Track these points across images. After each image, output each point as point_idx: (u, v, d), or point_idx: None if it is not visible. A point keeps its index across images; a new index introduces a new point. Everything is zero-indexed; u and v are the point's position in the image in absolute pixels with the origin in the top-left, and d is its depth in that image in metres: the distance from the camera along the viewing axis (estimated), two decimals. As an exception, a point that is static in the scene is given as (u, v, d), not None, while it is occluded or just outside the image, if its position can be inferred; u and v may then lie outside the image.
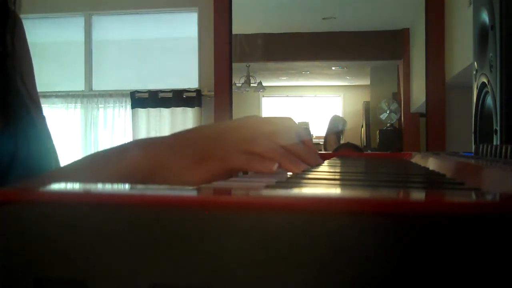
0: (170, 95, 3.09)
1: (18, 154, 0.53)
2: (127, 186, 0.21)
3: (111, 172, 0.45)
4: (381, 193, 0.22)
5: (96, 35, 3.26)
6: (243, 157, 0.44)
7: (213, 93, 2.98)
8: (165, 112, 3.08)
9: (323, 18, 3.26)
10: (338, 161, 0.78)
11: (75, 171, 0.46)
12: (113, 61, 3.31)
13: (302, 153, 0.46)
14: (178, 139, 0.48)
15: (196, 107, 3.05)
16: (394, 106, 3.31)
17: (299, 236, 0.14)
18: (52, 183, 0.41)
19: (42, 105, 0.66)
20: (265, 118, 0.48)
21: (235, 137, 0.45)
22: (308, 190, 0.30)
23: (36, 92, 0.64)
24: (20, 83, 0.59)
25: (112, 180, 0.42)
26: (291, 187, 0.35)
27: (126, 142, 0.50)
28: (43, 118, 0.62)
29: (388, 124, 3.31)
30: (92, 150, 3.08)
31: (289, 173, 0.45)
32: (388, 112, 3.31)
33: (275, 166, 0.42)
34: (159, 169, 0.44)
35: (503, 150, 0.47)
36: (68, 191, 0.19)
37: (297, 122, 0.51)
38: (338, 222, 0.14)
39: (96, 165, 0.47)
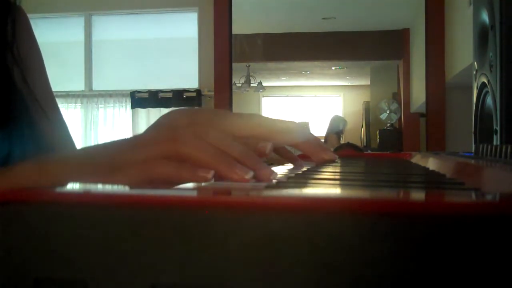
0: (170, 95, 3.09)
1: (12, 157, 0.50)
2: (127, 186, 0.21)
3: None
4: (381, 193, 0.22)
5: (96, 35, 3.26)
6: (168, 164, 0.35)
7: (213, 93, 2.99)
8: (165, 112, 3.08)
9: (323, 18, 3.26)
10: (338, 161, 0.78)
11: None
12: (113, 61, 3.31)
13: (241, 154, 0.37)
14: (85, 151, 0.41)
15: (196, 107, 3.05)
16: (394, 106, 3.31)
17: (299, 236, 0.14)
18: None
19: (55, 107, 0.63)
20: (197, 110, 0.39)
21: (157, 138, 0.37)
22: (308, 190, 0.30)
23: (45, 92, 0.61)
24: (21, 79, 0.56)
25: None
26: (291, 187, 0.35)
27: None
28: (48, 119, 0.58)
29: (388, 124, 3.31)
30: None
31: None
32: (388, 112, 3.31)
33: (211, 174, 0.34)
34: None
35: (503, 150, 0.47)
36: (69, 191, 0.19)
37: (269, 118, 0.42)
38: (338, 222, 0.14)
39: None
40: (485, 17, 1.19)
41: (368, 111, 3.41)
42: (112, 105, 3.22)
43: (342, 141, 3.33)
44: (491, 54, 1.12)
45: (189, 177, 0.34)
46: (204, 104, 3.06)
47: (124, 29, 3.34)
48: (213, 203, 0.16)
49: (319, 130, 3.39)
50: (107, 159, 0.37)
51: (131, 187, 0.21)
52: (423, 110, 2.91)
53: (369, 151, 3.06)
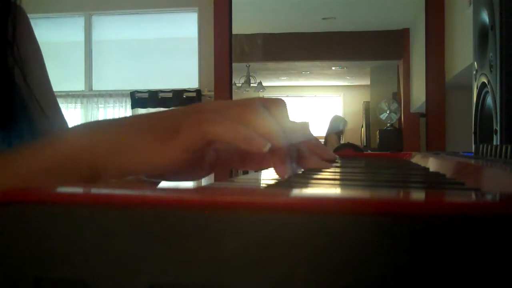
0: (170, 95, 3.09)
1: None
2: (128, 185, 0.21)
3: (42, 160, 0.36)
4: (381, 193, 0.22)
5: (96, 35, 3.26)
6: (226, 123, 0.33)
7: (213, 93, 2.99)
8: (165, 112, 3.08)
9: (323, 18, 3.26)
10: (338, 161, 0.78)
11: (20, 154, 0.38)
12: (113, 61, 3.31)
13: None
14: (138, 117, 0.40)
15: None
16: (394, 106, 3.31)
17: (299, 236, 0.14)
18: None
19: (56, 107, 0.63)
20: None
21: (214, 105, 0.36)
22: (308, 190, 0.30)
23: (45, 92, 0.61)
24: (21, 79, 0.56)
25: (40, 172, 0.36)
26: (291, 187, 0.35)
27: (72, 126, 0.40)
28: (48, 118, 0.58)
29: (388, 124, 3.31)
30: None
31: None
32: (388, 112, 3.31)
33: (267, 146, 0.32)
34: (111, 154, 0.36)
35: (503, 150, 0.47)
36: (69, 191, 0.19)
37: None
38: (338, 222, 0.14)
39: (35, 149, 0.38)
40: (485, 17, 1.19)
41: (368, 111, 3.42)
42: (112, 105, 3.23)
43: (342, 141, 3.33)
44: (491, 54, 1.12)
45: (245, 142, 0.33)
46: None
47: (124, 29, 3.34)
48: (213, 203, 0.16)
49: (319, 130, 3.39)
50: (156, 125, 0.36)
51: (131, 188, 0.21)
52: (423, 110, 2.91)
53: (369, 151, 3.06)
